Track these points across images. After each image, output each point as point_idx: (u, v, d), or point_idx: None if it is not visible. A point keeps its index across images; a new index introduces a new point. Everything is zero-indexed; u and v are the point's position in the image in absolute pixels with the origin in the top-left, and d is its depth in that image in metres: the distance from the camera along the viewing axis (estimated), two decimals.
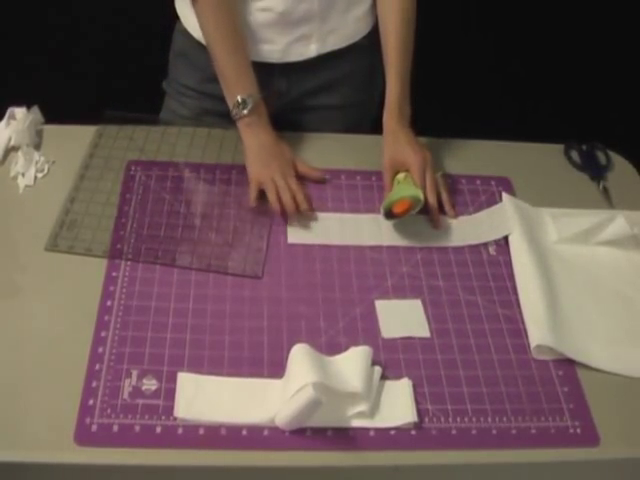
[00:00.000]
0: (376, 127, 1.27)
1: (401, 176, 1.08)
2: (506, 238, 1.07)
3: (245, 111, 1.08)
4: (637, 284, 1.04)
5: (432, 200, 1.06)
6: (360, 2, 1.17)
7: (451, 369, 0.91)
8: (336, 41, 1.18)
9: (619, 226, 1.06)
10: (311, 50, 1.17)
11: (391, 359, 0.91)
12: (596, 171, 1.20)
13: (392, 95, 1.12)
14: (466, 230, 1.08)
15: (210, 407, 0.84)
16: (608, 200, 1.16)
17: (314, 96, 1.25)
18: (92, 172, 1.09)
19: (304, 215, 1.06)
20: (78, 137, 1.14)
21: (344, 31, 1.18)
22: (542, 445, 0.85)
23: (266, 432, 0.83)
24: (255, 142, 1.10)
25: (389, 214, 1.05)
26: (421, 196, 1.03)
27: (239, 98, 1.08)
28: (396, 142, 1.10)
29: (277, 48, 1.15)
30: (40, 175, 1.08)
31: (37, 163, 1.09)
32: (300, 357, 0.85)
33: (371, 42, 1.23)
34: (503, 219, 1.08)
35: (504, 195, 1.12)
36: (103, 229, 1.01)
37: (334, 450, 0.82)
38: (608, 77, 2.01)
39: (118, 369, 0.87)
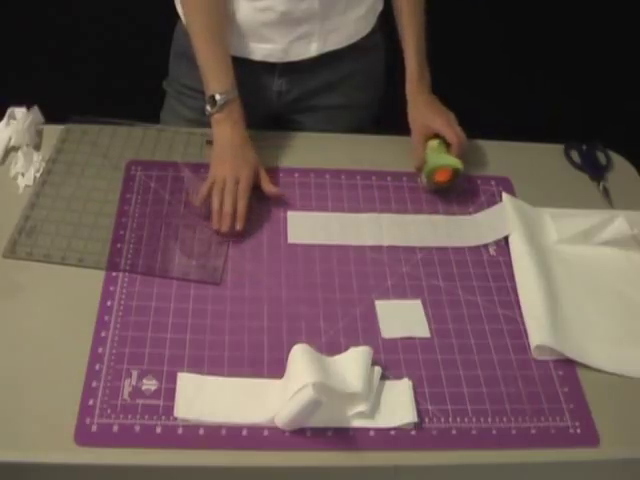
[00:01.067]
0: (377, 128, 1.27)
1: (434, 143, 1.12)
2: (506, 238, 1.07)
3: (216, 108, 1.07)
4: (637, 284, 1.04)
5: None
6: (360, 1, 1.17)
7: (451, 369, 0.91)
8: (337, 40, 1.18)
9: (619, 226, 1.06)
10: (312, 49, 1.17)
11: (391, 359, 0.91)
12: (596, 171, 1.20)
13: (411, 65, 1.16)
14: (466, 231, 1.08)
15: (210, 407, 0.84)
16: (608, 200, 1.16)
17: (314, 96, 1.25)
18: (54, 177, 1.08)
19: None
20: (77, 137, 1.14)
21: (345, 30, 1.18)
22: (542, 445, 0.85)
23: (266, 432, 0.83)
24: (221, 140, 1.08)
25: (431, 181, 1.10)
26: (461, 166, 1.08)
27: (213, 94, 1.06)
28: (420, 107, 1.15)
29: (278, 47, 1.15)
30: (39, 175, 1.08)
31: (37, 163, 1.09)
32: (300, 357, 0.85)
33: (371, 43, 1.23)
34: (503, 220, 1.08)
35: (504, 195, 1.12)
36: (62, 235, 1.00)
37: (334, 450, 0.82)
38: (608, 77, 2.01)
39: (118, 369, 0.87)
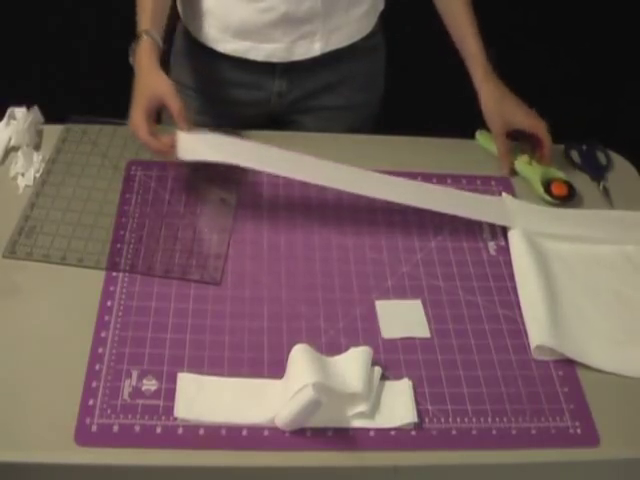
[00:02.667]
0: (377, 128, 1.27)
1: (525, 159, 1.14)
2: (506, 238, 1.07)
3: (135, 45, 1.05)
4: (637, 284, 1.04)
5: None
6: (361, 1, 1.17)
7: (451, 369, 0.91)
8: (339, 40, 1.18)
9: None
10: (315, 49, 1.17)
11: (391, 359, 0.91)
12: (596, 171, 1.20)
13: (473, 48, 1.12)
14: (461, 202, 1.07)
15: (210, 407, 0.84)
16: (608, 200, 1.16)
17: (314, 97, 1.25)
18: (54, 177, 1.08)
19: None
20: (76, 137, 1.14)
21: (347, 29, 1.18)
22: (542, 445, 0.85)
23: (266, 432, 0.83)
24: (138, 66, 1.04)
25: (548, 191, 1.11)
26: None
27: (140, 31, 1.05)
28: (495, 99, 1.09)
29: (281, 47, 1.15)
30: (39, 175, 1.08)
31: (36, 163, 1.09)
32: (300, 357, 0.85)
33: (372, 44, 1.23)
34: (503, 211, 1.08)
35: (504, 195, 1.12)
36: (62, 235, 1.00)
37: (334, 450, 0.82)
38: (608, 77, 2.01)
39: (118, 369, 0.87)
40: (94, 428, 0.81)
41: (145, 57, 1.03)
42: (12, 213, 1.02)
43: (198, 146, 1.01)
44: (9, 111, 1.13)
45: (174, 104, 1.00)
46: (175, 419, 0.83)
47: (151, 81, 1.01)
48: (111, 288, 0.95)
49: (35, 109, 1.15)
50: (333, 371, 0.85)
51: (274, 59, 1.17)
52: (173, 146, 1.00)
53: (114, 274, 0.96)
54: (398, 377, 0.89)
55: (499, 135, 1.09)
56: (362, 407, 0.84)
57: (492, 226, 1.09)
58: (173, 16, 1.22)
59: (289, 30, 1.14)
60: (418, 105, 1.74)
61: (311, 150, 1.16)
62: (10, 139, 1.11)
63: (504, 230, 1.08)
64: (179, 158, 1.00)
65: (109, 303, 0.93)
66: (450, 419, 0.86)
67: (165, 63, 1.28)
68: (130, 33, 1.84)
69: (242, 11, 1.12)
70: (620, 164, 1.23)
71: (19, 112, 1.14)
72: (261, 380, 0.87)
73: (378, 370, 0.88)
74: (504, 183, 1.16)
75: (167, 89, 1.00)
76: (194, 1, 1.17)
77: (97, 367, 0.86)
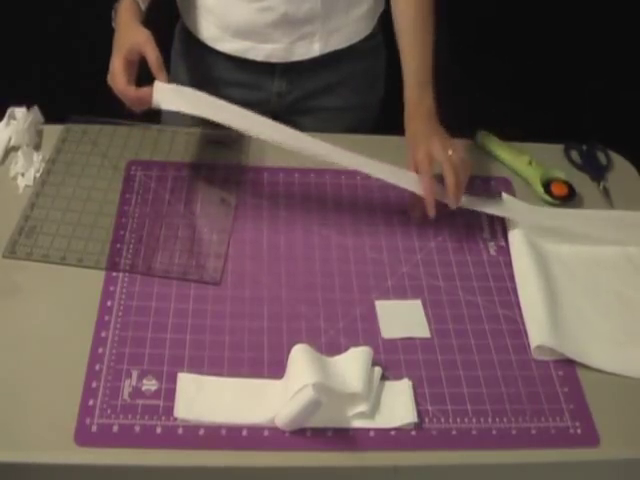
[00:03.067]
0: (376, 129, 1.27)
1: (525, 159, 1.16)
2: (506, 239, 1.07)
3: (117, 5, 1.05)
4: (637, 284, 1.04)
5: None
6: (362, 0, 1.17)
7: (451, 369, 0.91)
8: (339, 40, 1.18)
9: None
10: (314, 49, 1.17)
11: (391, 359, 0.91)
12: (596, 171, 1.20)
13: (409, 85, 1.08)
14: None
15: (210, 407, 0.84)
16: (608, 200, 1.16)
17: (314, 98, 1.25)
18: (54, 177, 1.08)
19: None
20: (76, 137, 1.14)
21: (346, 30, 1.18)
22: (542, 445, 0.85)
23: (266, 432, 0.83)
24: (117, 20, 1.04)
25: (548, 191, 1.12)
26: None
27: None
28: (411, 133, 1.05)
29: (280, 47, 1.15)
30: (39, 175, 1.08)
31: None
32: (300, 357, 0.85)
33: (372, 45, 1.23)
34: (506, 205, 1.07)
35: (504, 195, 1.12)
36: (62, 235, 1.00)
37: (334, 450, 0.82)
38: (608, 77, 2.01)
39: (118, 369, 0.87)
40: (94, 428, 0.81)
41: (125, 14, 1.02)
42: (12, 213, 1.02)
43: (175, 97, 0.99)
44: (9, 111, 1.13)
45: (151, 53, 0.98)
46: (175, 419, 0.83)
47: (130, 33, 1.00)
48: (111, 288, 0.95)
49: (35, 109, 1.15)
50: (333, 371, 0.85)
51: (273, 59, 1.17)
52: (150, 96, 0.98)
53: (114, 274, 0.96)
54: (398, 377, 0.89)
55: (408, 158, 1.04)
56: (362, 407, 0.84)
57: (492, 226, 1.09)
58: (173, 16, 1.22)
59: (289, 30, 1.14)
60: None
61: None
62: (10, 139, 1.10)
63: (504, 230, 1.08)
64: (154, 106, 0.98)
65: (109, 303, 0.93)
66: (450, 419, 0.86)
67: (165, 62, 1.28)
68: None
69: (242, 11, 1.12)
70: (620, 164, 1.23)
71: (19, 112, 1.14)
72: (261, 380, 0.87)
73: (378, 370, 0.88)
74: (504, 183, 1.16)
75: (144, 38, 0.99)
76: (194, 0, 1.17)
77: (97, 367, 0.86)
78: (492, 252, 1.06)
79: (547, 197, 1.12)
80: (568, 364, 0.93)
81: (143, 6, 1.05)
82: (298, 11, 1.11)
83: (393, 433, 0.84)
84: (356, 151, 1.03)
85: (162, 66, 0.99)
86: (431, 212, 1.00)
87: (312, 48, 1.16)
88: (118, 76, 0.98)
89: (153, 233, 1.02)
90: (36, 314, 0.91)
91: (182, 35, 1.23)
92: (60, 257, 0.97)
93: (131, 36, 1.00)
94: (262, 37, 1.14)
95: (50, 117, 1.17)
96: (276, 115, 1.27)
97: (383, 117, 1.34)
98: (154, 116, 1.28)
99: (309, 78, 1.21)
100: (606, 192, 1.17)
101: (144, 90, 0.98)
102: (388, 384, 0.88)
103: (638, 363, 0.94)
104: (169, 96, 0.99)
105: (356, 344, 0.90)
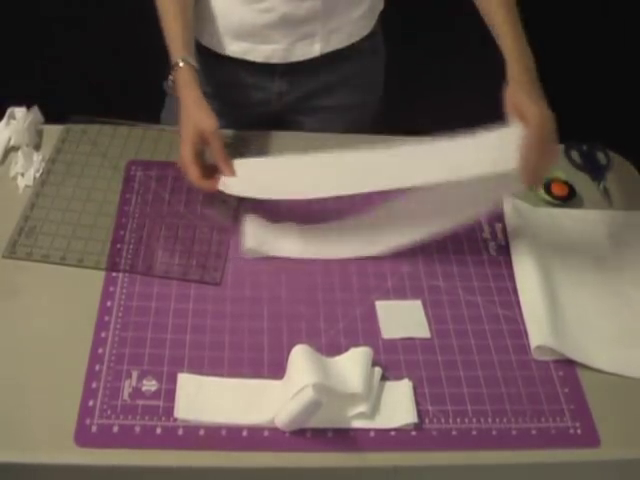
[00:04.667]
0: (377, 129, 1.27)
1: None
2: (506, 238, 1.06)
3: (174, 74, 1.04)
4: (637, 284, 1.03)
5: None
6: (360, 1, 1.17)
7: (451, 370, 0.91)
8: (339, 40, 1.18)
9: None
10: (315, 49, 1.17)
11: (391, 360, 0.91)
12: (596, 171, 1.20)
13: (511, 59, 1.04)
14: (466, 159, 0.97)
15: (210, 408, 0.84)
16: (608, 200, 1.16)
17: (314, 97, 1.25)
18: (54, 177, 1.08)
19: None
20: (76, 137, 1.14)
21: (347, 30, 1.18)
22: (542, 446, 0.85)
23: (266, 433, 0.83)
24: (180, 98, 1.04)
25: (548, 191, 1.11)
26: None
27: (176, 61, 1.04)
28: (518, 91, 1.00)
29: (280, 48, 1.15)
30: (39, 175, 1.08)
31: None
32: (300, 358, 0.85)
33: (372, 45, 1.23)
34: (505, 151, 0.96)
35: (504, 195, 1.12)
36: (62, 235, 1.00)
37: (334, 451, 0.82)
38: (608, 77, 2.01)
39: (118, 370, 0.87)
40: (94, 429, 0.81)
41: (187, 88, 1.03)
42: (12, 213, 1.02)
43: (243, 185, 1.01)
44: (9, 111, 1.13)
45: (218, 147, 1.01)
46: (175, 420, 0.83)
47: (197, 115, 1.01)
48: (111, 288, 0.95)
49: (35, 109, 1.15)
50: (333, 372, 0.85)
51: (274, 60, 1.16)
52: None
53: (114, 274, 0.96)
54: (398, 377, 0.89)
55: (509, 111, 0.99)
56: (362, 408, 0.84)
57: (492, 226, 1.09)
58: None
59: (289, 31, 1.13)
60: (418, 105, 1.73)
61: (311, 150, 1.16)
62: (10, 139, 1.10)
63: (504, 230, 1.08)
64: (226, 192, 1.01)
65: (109, 303, 0.93)
66: (450, 420, 0.86)
67: (165, 63, 1.28)
68: (131, 33, 1.84)
69: (241, 12, 1.12)
70: (620, 164, 1.23)
71: (19, 112, 1.13)
72: (261, 381, 0.87)
73: (378, 371, 0.88)
74: None
75: (212, 129, 1.00)
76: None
77: (97, 368, 0.86)
78: (492, 252, 1.06)
79: (547, 197, 1.12)
80: (568, 364, 0.93)
81: (197, 64, 1.05)
82: (298, 11, 1.11)
83: (393, 433, 0.84)
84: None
85: (228, 160, 1.01)
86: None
87: (312, 48, 1.16)
88: (191, 168, 0.99)
89: (153, 233, 1.02)
90: (36, 314, 0.91)
91: None
92: (60, 257, 0.97)
93: (199, 121, 1.00)
94: (262, 38, 1.14)
95: (50, 117, 1.17)
96: (276, 115, 1.27)
97: (384, 115, 1.34)
98: (154, 116, 1.28)
99: (309, 78, 1.21)
100: (606, 192, 1.17)
101: (213, 183, 1.01)
102: (388, 384, 0.88)
103: (638, 363, 0.94)
104: (238, 186, 1.01)
105: (356, 344, 0.90)
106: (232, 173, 1.01)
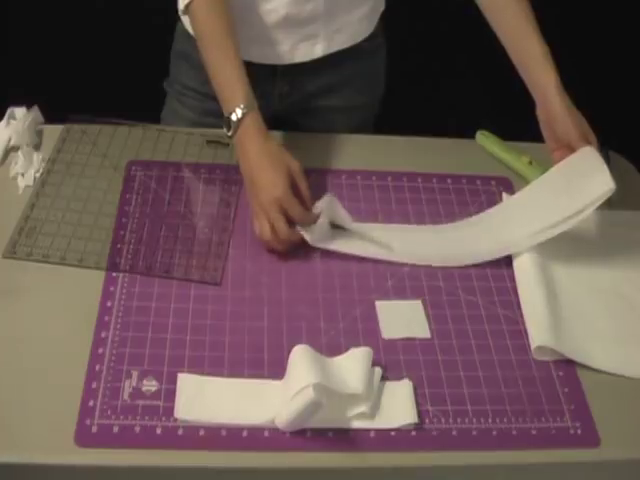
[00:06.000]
0: (377, 129, 1.27)
1: (525, 159, 1.15)
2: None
3: (234, 126, 0.99)
4: (638, 284, 1.03)
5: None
6: (362, 2, 1.17)
7: (451, 370, 0.91)
8: (341, 41, 1.18)
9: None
10: (317, 50, 1.16)
11: (391, 360, 0.91)
12: None
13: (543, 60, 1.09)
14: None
15: (210, 408, 0.84)
16: (608, 200, 1.15)
17: (315, 98, 1.25)
18: (54, 177, 1.07)
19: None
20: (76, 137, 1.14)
21: (349, 30, 1.18)
22: (542, 446, 0.85)
23: (267, 433, 0.83)
24: (255, 149, 0.99)
25: None
26: None
27: (236, 110, 0.99)
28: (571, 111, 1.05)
29: (283, 49, 1.15)
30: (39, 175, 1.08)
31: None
32: (300, 358, 0.84)
33: (373, 46, 1.23)
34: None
35: (504, 195, 1.12)
36: (62, 235, 1.00)
37: (335, 451, 0.82)
38: (608, 77, 2.01)
39: (118, 370, 0.86)
40: (94, 429, 0.81)
41: (262, 135, 1.00)
42: (12, 213, 1.02)
43: (326, 236, 1.01)
44: (9, 111, 1.13)
45: (305, 185, 1.00)
46: (175, 420, 0.83)
47: (286, 158, 0.99)
48: (111, 288, 0.95)
49: (35, 109, 1.15)
50: (333, 372, 0.85)
51: (276, 61, 1.16)
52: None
53: (114, 274, 0.96)
54: (398, 378, 0.89)
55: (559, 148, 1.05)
56: (362, 408, 0.84)
57: None
58: (173, 16, 1.22)
59: (291, 32, 1.13)
60: (418, 105, 1.73)
61: (311, 150, 1.17)
62: (10, 139, 1.10)
63: None
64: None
65: (109, 303, 0.93)
66: (450, 420, 0.86)
67: (165, 64, 1.29)
68: (131, 33, 1.84)
69: (243, 13, 1.12)
70: (620, 164, 1.23)
71: (19, 112, 1.13)
72: (261, 381, 0.87)
73: (378, 371, 0.88)
74: (504, 183, 1.16)
75: (298, 168, 0.99)
76: None
77: (97, 368, 0.86)
78: None
79: None
80: (568, 364, 0.93)
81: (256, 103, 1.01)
82: (300, 13, 1.11)
83: (393, 434, 0.84)
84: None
85: (310, 200, 1.00)
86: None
87: (315, 49, 1.16)
88: (297, 209, 0.97)
89: (153, 233, 1.02)
90: (36, 314, 0.91)
91: (182, 36, 1.22)
92: (60, 257, 0.97)
93: (287, 161, 0.99)
94: (264, 40, 1.14)
95: (50, 117, 1.17)
96: (278, 116, 1.27)
97: (384, 115, 1.35)
98: (154, 116, 1.28)
99: (311, 79, 1.21)
100: None
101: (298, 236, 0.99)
102: (388, 384, 0.88)
103: (638, 363, 0.94)
104: (321, 235, 1.01)
105: (356, 344, 0.90)
106: (311, 217, 0.99)
